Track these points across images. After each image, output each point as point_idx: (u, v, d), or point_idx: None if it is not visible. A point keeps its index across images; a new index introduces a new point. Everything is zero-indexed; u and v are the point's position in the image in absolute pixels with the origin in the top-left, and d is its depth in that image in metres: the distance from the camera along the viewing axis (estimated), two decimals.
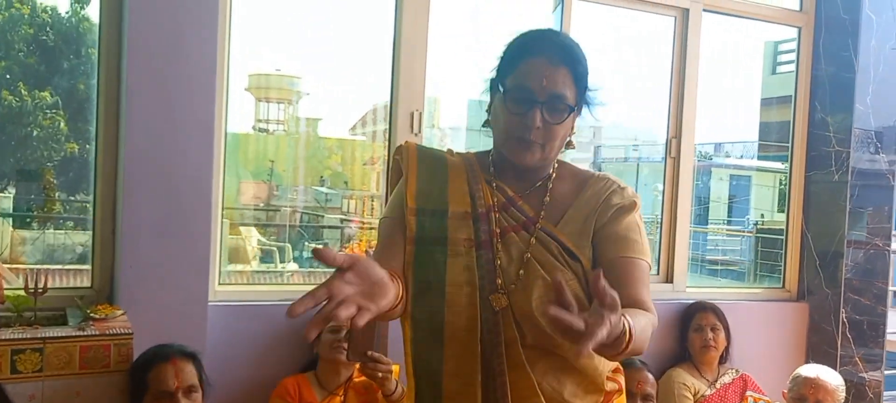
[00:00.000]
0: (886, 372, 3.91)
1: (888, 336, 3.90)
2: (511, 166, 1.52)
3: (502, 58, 1.51)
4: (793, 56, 3.99)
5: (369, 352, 2.34)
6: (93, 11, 2.80)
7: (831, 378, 2.95)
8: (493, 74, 1.52)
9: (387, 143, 3.16)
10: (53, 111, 3.02)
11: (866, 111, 3.72)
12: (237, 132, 4.60)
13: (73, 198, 3.17)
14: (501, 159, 1.54)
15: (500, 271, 1.45)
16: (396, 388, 2.50)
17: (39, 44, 3.03)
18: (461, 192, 1.52)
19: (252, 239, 4.96)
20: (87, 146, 2.76)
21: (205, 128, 2.53)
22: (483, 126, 1.57)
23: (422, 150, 1.60)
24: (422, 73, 3.08)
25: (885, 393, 3.95)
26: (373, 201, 4.99)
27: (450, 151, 1.63)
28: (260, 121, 5.75)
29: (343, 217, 5.31)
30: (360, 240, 4.75)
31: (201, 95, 2.52)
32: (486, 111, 1.55)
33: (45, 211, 3.15)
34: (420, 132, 3.08)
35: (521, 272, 1.45)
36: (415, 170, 1.54)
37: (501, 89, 1.47)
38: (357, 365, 2.63)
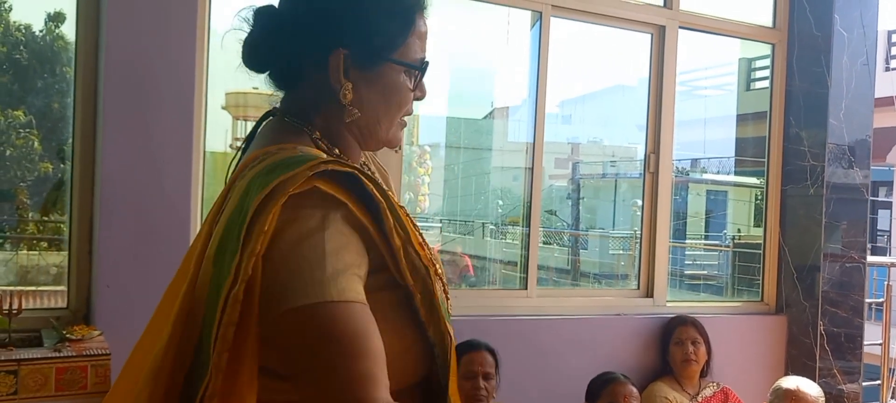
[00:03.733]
0: (865, 384, 3.95)
1: (866, 348, 3.95)
2: (356, 151, 1.15)
3: (386, 17, 1.08)
4: (767, 73, 4.05)
5: None
6: (68, 29, 2.77)
7: (811, 389, 2.98)
8: (357, 37, 1.06)
9: None
10: (27, 130, 2.98)
11: (840, 126, 3.78)
12: (214, 150, 4.57)
13: (47, 219, 3.13)
14: (342, 140, 1.12)
15: None
16: None
17: (13, 62, 2.99)
18: None
19: None
20: (62, 166, 2.73)
21: (183, 146, 2.51)
22: (332, 105, 1.08)
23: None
24: None
25: None
26: None
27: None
28: (237, 139, 5.71)
29: None
30: None
31: (179, 114, 2.51)
32: (343, 91, 1.06)
33: (19, 232, 3.10)
34: (400, 149, 3.07)
35: None
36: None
37: (394, 59, 1.09)
38: None
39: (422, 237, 1.12)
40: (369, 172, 1.08)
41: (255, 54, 1.11)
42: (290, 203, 0.94)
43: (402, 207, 1.07)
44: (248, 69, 1.12)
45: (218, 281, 0.94)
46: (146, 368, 0.99)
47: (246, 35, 1.11)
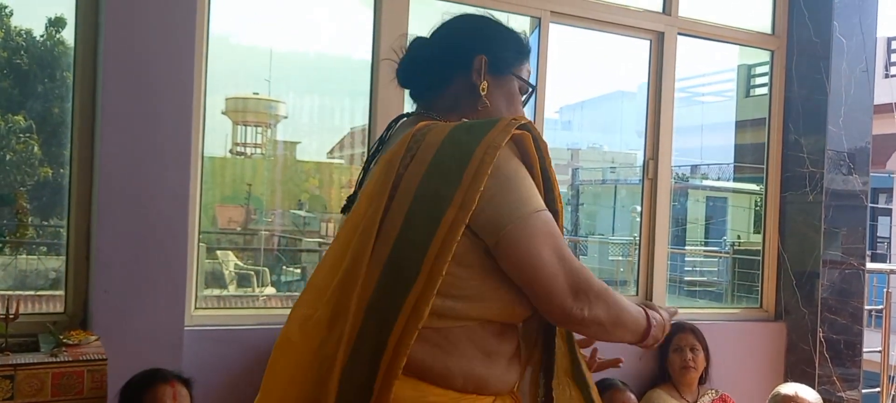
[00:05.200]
0: (864, 391, 3.94)
1: (865, 356, 3.94)
2: None
3: (511, 44, 1.49)
4: (766, 79, 4.05)
5: None
6: (68, 35, 2.77)
7: (809, 395, 2.97)
8: (494, 50, 1.46)
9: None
10: (27, 135, 2.98)
11: (839, 133, 3.78)
12: (214, 156, 4.58)
13: (46, 223, 3.13)
14: None
15: None
16: None
17: (13, 67, 2.99)
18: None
19: (229, 263, 4.91)
20: (62, 170, 2.73)
21: (181, 151, 2.51)
22: (469, 99, 1.44)
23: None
24: (400, 96, 3.07)
25: None
26: None
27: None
28: (237, 144, 5.72)
29: (321, 240, 5.28)
30: None
31: (178, 119, 2.51)
32: (483, 85, 1.44)
33: (18, 236, 3.09)
34: None
35: None
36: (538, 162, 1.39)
37: (516, 74, 1.48)
38: None
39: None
40: None
41: (411, 69, 1.50)
42: (502, 153, 1.26)
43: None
44: (400, 84, 1.52)
45: (429, 210, 1.24)
46: (333, 282, 1.24)
47: (403, 58, 1.50)
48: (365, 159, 1.45)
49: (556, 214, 1.37)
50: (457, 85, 1.45)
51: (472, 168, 1.24)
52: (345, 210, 1.47)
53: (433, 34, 1.51)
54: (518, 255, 1.26)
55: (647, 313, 1.46)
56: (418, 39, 1.51)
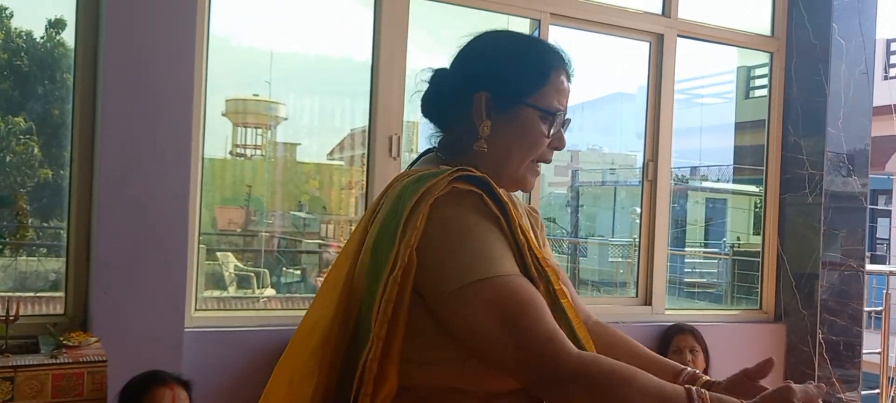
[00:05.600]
0: (863, 393, 3.94)
1: (864, 357, 3.94)
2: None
3: (526, 66, 1.29)
4: (765, 81, 4.06)
5: None
6: (68, 36, 2.78)
7: None
8: (497, 82, 1.27)
9: (365, 168, 3.16)
10: (27, 136, 2.98)
11: (838, 134, 3.79)
12: (214, 157, 4.58)
13: (46, 225, 3.13)
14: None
15: None
16: None
17: (14, 69, 2.99)
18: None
19: (229, 264, 4.91)
20: (62, 172, 2.73)
21: (181, 153, 2.51)
22: (471, 140, 1.27)
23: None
24: (400, 97, 3.08)
25: None
26: (351, 226, 4.97)
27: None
28: (237, 146, 5.72)
29: (321, 242, 5.28)
30: None
31: (178, 120, 2.51)
32: (483, 127, 1.26)
33: (18, 238, 3.10)
34: (399, 156, 3.08)
35: None
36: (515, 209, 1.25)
37: (529, 103, 1.27)
38: None
39: (543, 251, 1.30)
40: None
41: (427, 104, 1.36)
42: (437, 203, 1.15)
43: (522, 224, 1.23)
44: (424, 117, 1.38)
45: (376, 268, 1.16)
46: (316, 336, 1.21)
47: (425, 91, 1.36)
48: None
49: (534, 281, 1.19)
50: (464, 122, 1.29)
51: (401, 225, 1.14)
52: None
53: (451, 63, 1.35)
54: (457, 326, 1.13)
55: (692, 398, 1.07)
56: (437, 71, 1.37)
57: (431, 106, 1.36)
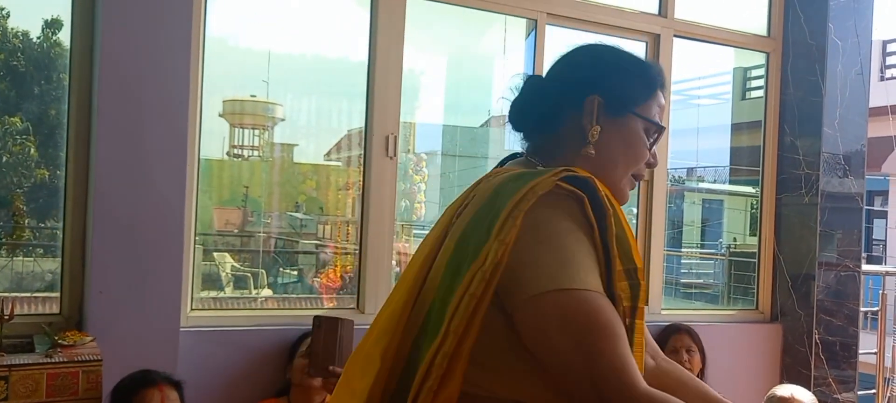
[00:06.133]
0: (859, 393, 3.94)
1: (860, 358, 3.95)
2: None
3: (636, 76, 1.30)
4: (762, 82, 4.06)
5: (331, 367, 2.32)
6: (65, 36, 2.77)
7: (804, 397, 2.97)
8: (610, 87, 1.27)
9: (361, 168, 3.16)
10: (24, 137, 2.98)
11: (834, 135, 3.79)
12: (211, 158, 4.57)
13: (42, 225, 3.13)
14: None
15: None
16: None
17: (10, 69, 2.99)
18: None
19: (226, 265, 4.91)
20: (58, 172, 2.73)
21: (177, 153, 2.51)
22: (576, 144, 1.26)
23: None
24: (396, 97, 3.09)
25: None
26: (348, 226, 4.97)
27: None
28: (234, 147, 5.72)
29: (318, 242, 5.27)
30: (336, 266, 4.72)
31: (174, 121, 2.51)
32: (593, 131, 1.25)
33: (15, 238, 3.09)
34: (395, 156, 3.08)
35: None
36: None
37: (638, 113, 1.27)
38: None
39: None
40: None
41: (521, 108, 1.33)
42: (538, 203, 1.11)
43: (619, 234, 1.18)
44: (512, 127, 1.35)
45: (459, 263, 1.13)
46: (381, 325, 1.20)
47: (515, 98, 1.34)
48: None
49: (615, 299, 1.13)
50: (568, 127, 1.28)
51: (500, 221, 1.11)
52: None
53: (549, 71, 1.35)
54: (529, 334, 1.09)
55: None
56: (532, 78, 1.38)
57: (527, 111, 1.33)
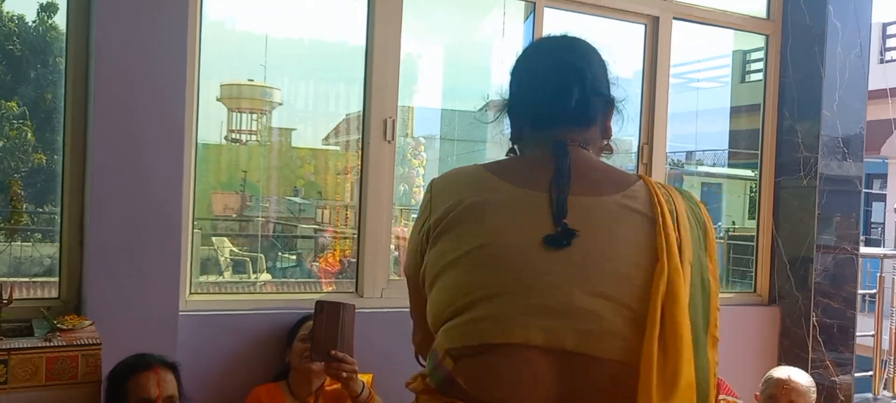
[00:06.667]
0: (856, 375, 3.96)
1: (857, 340, 3.96)
2: None
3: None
4: (761, 65, 4.05)
5: (333, 352, 2.32)
6: (60, 20, 2.76)
7: (802, 378, 2.98)
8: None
9: (360, 152, 3.15)
10: (21, 121, 2.97)
11: (833, 117, 3.79)
12: (209, 142, 4.56)
13: (40, 210, 3.12)
14: None
15: None
16: (363, 390, 2.48)
17: (6, 53, 2.98)
18: None
19: (224, 249, 4.91)
20: (56, 157, 2.72)
21: (175, 137, 2.50)
22: (602, 137, 1.48)
23: None
24: (395, 81, 3.07)
25: (856, 396, 4.00)
26: (347, 210, 4.97)
27: None
28: (232, 131, 5.71)
29: (317, 227, 5.27)
30: (334, 250, 4.72)
31: (171, 105, 2.50)
32: (611, 128, 1.48)
33: (12, 223, 3.09)
34: (393, 139, 3.07)
35: None
36: None
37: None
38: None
39: None
40: None
41: (588, 100, 1.40)
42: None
43: None
44: (572, 109, 1.40)
45: (701, 272, 1.36)
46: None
47: (586, 84, 1.39)
48: (553, 184, 1.32)
49: None
50: (598, 123, 1.44)
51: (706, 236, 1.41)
52: (551, 241, 1.27)
53: (588, 66, 1.43)
54: None
55: None
56: (586, 69, 1.42)
57: (593, 101, 1.41)
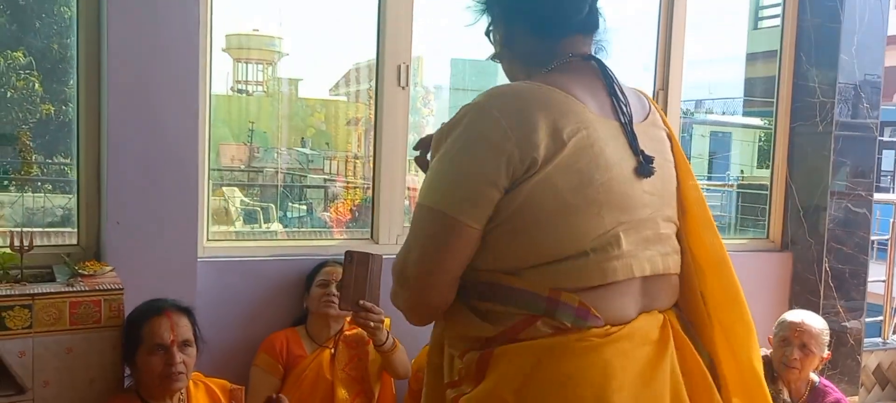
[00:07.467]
0: (867, 321, 3.98)
1: (868, 286, 3.96)
2: None
3: None
4: (774, 11, 3.98)
5: (361, 301, 2.33)
6: None
7: (816, 322, 2.99)
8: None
9: (373, 99, 3.12)
10: (27, 72, 2.94)
11: (851, 61, 3.74)
12: (216, 93, 4.53)
13: (50, 161, 3.11)
14: None
15: None
16: (387, 339, 2.49)
17: (10, 3, 2.94)
18: None
19: (235, 200, 4.92)
20: (64, 107, 2.70)
21: (189, 85, 2.48)
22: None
23: None
24: (408, 25, 3.03)
25: (866, 340, 4.02)
26: (356, 161, 4.95)
27: None
28: (238, 82, 5.67)
29: (326, 177, 5.27)
30: (345, 200, 4.72)
31: (184, 52, 2.46)
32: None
33: (22, 174, 3.08)
34: (407, 85, 3.04)
35: None
36: None
37: None
38: (348, 318, 2.62)
39: None
40: None
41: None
42: None
43: None
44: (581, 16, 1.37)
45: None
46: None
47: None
48: (617, 113, 1.32)
49: None
50: None
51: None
52: (643, 172, 1.30)
53: None
54: None
55: None
56: None
57: (598, 10, 1.43)
